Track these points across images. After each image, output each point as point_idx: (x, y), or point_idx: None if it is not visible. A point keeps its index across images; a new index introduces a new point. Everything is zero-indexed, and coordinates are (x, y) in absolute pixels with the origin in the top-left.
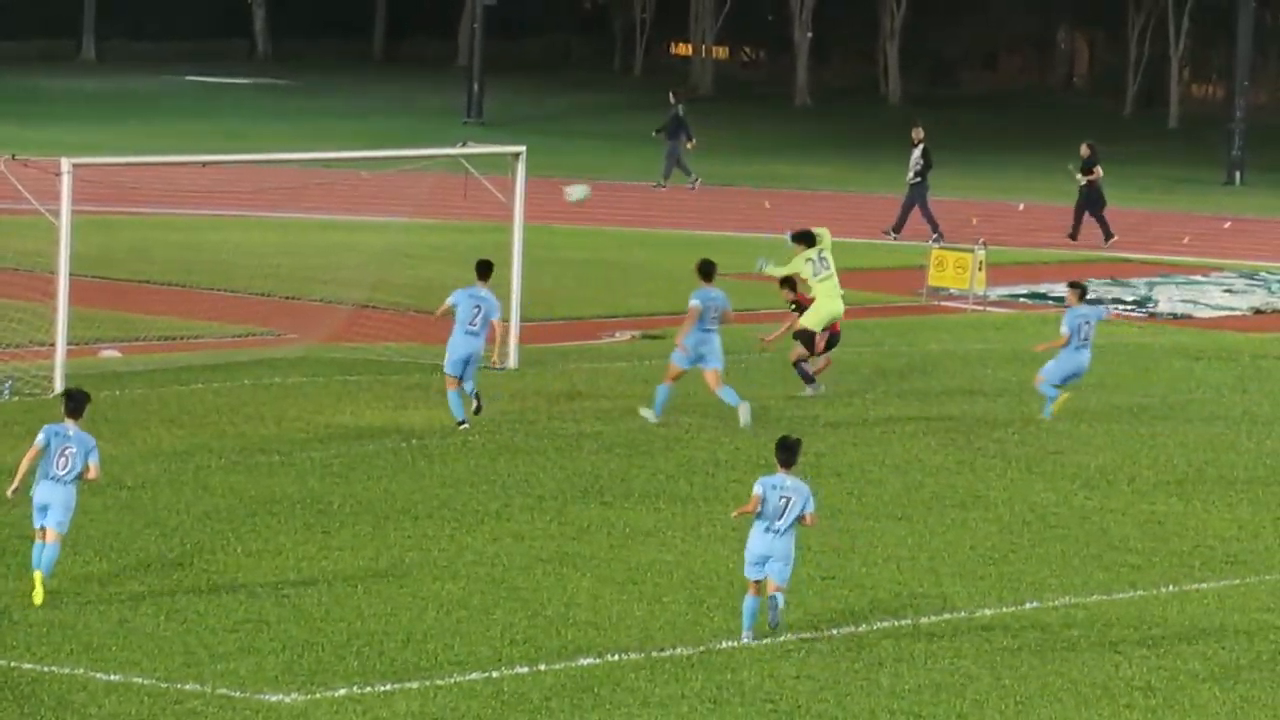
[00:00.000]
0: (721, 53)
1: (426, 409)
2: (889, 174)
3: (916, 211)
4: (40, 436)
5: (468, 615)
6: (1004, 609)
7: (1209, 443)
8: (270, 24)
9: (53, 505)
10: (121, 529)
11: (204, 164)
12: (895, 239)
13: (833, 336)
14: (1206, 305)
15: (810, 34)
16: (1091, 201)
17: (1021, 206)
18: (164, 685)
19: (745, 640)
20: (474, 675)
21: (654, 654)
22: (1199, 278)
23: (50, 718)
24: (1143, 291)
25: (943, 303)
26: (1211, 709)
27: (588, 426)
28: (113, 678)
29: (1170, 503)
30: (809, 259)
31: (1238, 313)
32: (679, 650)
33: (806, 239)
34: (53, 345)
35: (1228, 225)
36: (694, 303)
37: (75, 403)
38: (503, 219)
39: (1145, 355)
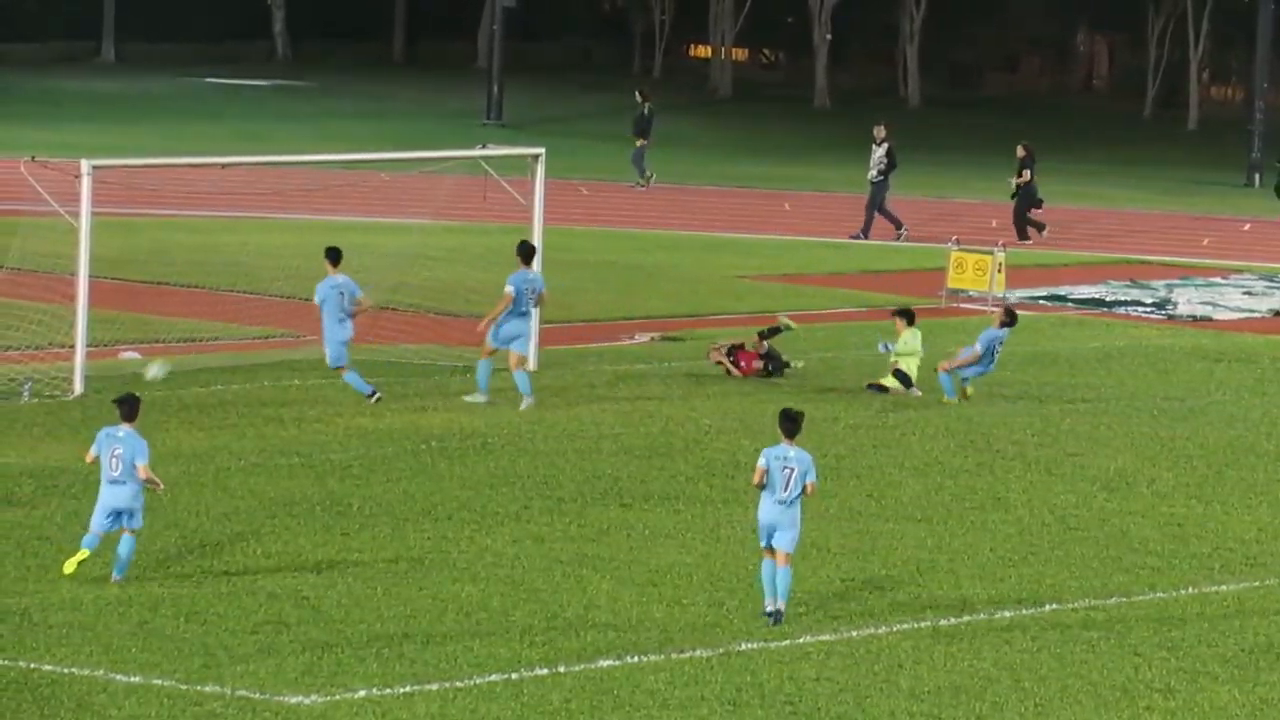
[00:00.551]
0: (741, 55)
1: (446, 411)
2: (910, 176)
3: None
4: (94, 445)
5: (487, 617)
6: (1024, 611)
7: (1229, 445)
8: (289, 26)
9: (119, 508)
10: (141, 531)
11: (223, 165)
12: (865, 240)
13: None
14: (1226, 307)
15: (829, 36)
16: (1024, 201)
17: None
18: (184, 687)
19: (778, 608)
20: (493, 677)
21: (673, 656)
22: (1218, 280)
23: (70, 719)
24: (1162, 294)
25: (962, 304)
26: (1231, 711)
27: (607, 428)
28: (133, 679)
29: (1190, 505)
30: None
31: (1257, 315)
32: (698, 652)
33: (908, 315)
34: (72, 347)
35: (1247, 227)
36: (509, 289)
37: (127, 406)
38: (522, 221)
39: (1165, 358)
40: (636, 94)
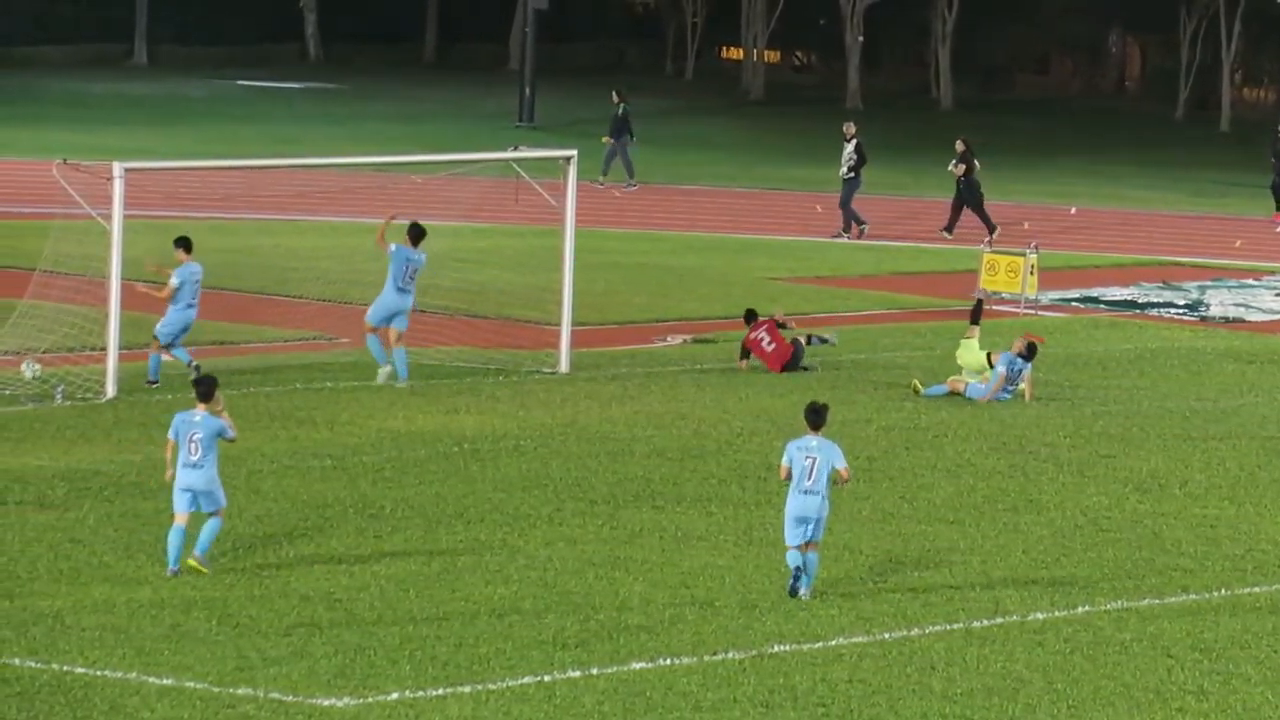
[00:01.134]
0: (773, 57)
1: (478, 414)
2: (941, 178)
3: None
4: (170, 430)
5: (520, 619)
6: (1056, 613)
7: (1261, 446)
8: (321, 28)
9: (196, 491)
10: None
11: (255, 168)
12: (849, 239)
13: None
14: (1258, 309)
15: (861, 38)
16: (968, 196)
17: (1074, 210)
18: (216, 690)
19: (803, 595)
20: (526, 679)
21: (706, 658)
22: (1251, 281)
23: None
24: (1194, 295)
25: (994, 306)
26: (1264, 713)
27: (640, 430)
28: (165, 682)
29: (1223, 507)
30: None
31: None
32: (731, 654)
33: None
34: (105, 349)
35: None
36: (392, 260)
37: (203, 388)
38: (554, 223)
39: (1197, 359)
40: (613, 94)
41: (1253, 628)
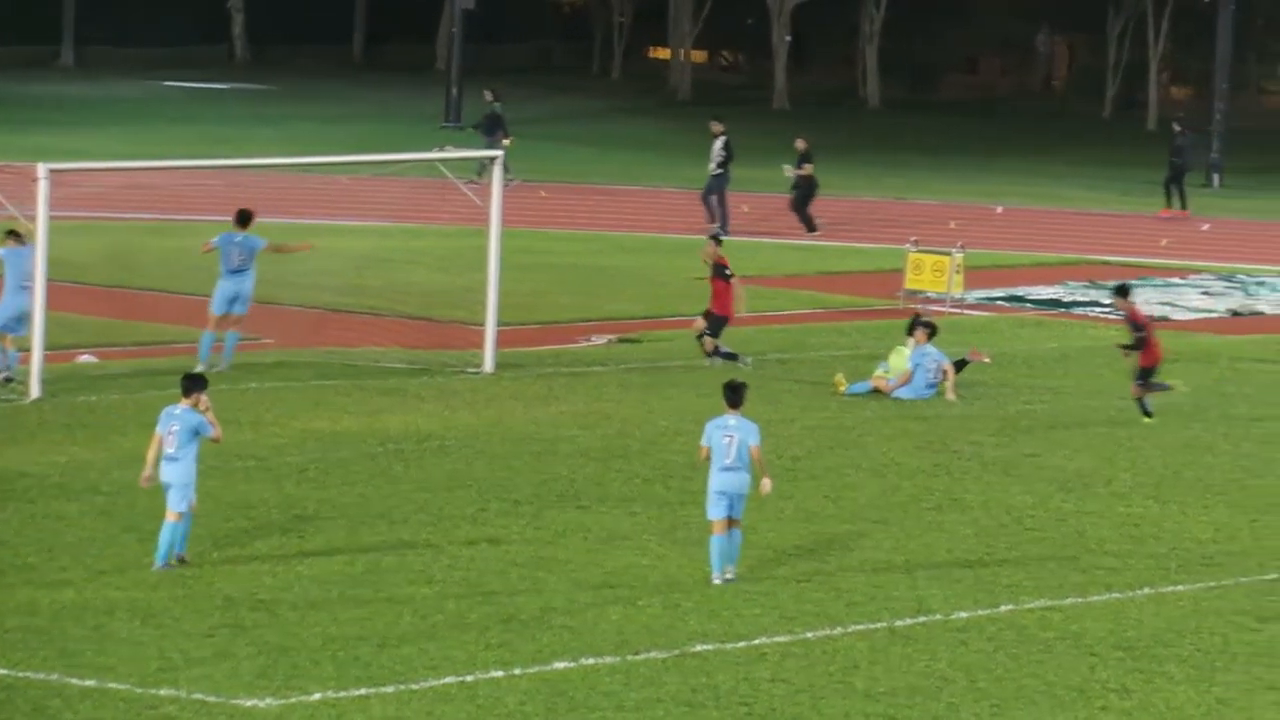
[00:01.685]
0: (700, 56)
1: (403, 414)
2: (871, 177)
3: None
4: (158, 424)
5: (443, 620)
6: (980, 611)
7: (1186, 445)
8: (249, 29)
9: (171, 485)
10: (98, 534)
11: (184, 169)
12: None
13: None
14: (1184, 308)
15: (789, 37)
16: (800, 194)
17: (1000, 210)
18: (139, 691)
19: (716, 581)
20: (449, 679)
21: (629, 658)
22: (1177, 280)
23: None
24: None
25: (920, 305)
26: (1187, 711)
27: (564, 430)
28: (88, 683)
29: (1147, 505)
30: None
31: (1215, 315)
32: (654, 654)
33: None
34: (30, 351)
35: (1205, 228)
36: (214, 241)
37: (185, 383)
38: (481, 223)
39: (1122, 359)
40: (487, 92)
41: (1176, 625)
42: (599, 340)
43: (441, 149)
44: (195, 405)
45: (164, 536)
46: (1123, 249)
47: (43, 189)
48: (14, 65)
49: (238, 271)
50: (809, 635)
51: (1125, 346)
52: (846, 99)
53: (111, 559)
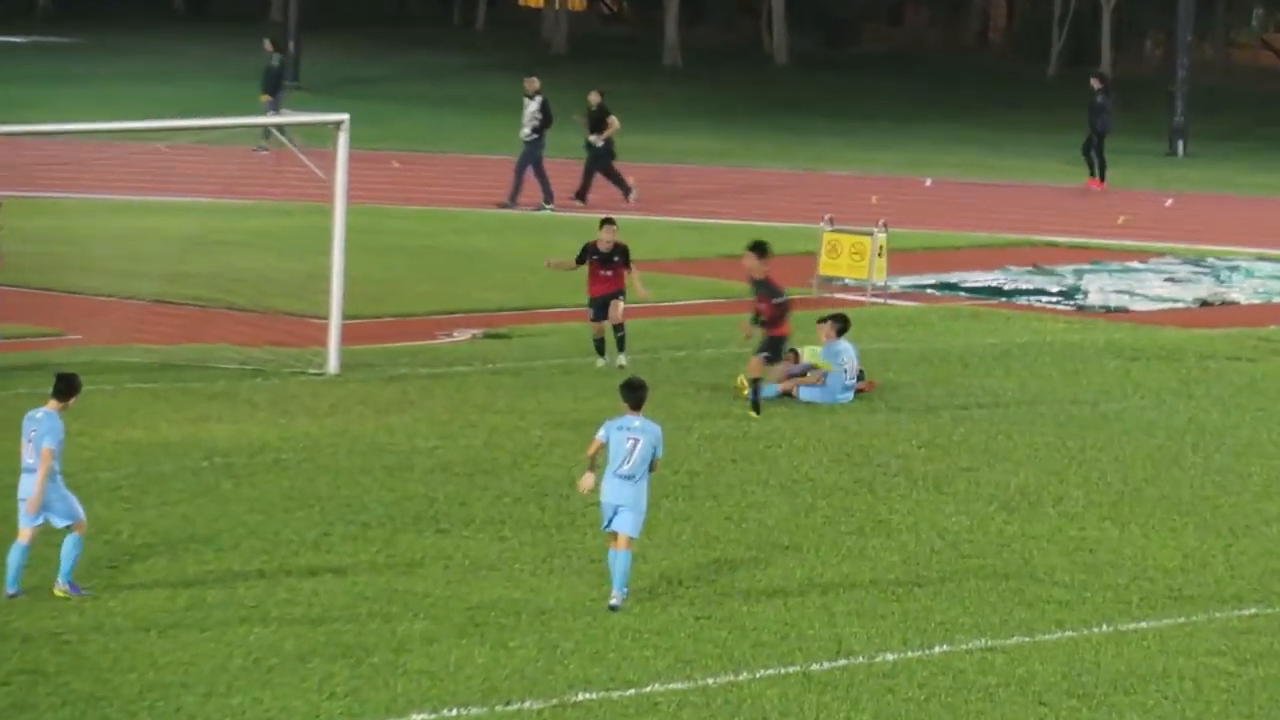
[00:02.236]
0: (578, 4)
1: (232, 422)
2: (779, 144)
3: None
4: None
5: (280, 664)
6: (909, 653)
7: (1148, 457)
8: None
9: (24, 497)
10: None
11: None
12: (515, 210)
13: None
14: (1144, 297)
15: None
16: (599, 156)
17: (929, 182)
18: None
19: (615, 602)
20: None
21: (499, 708)
22: (1136, 264)
23: None
24: (1070, 281)
25: (836, 295)
26: None
27: (421, 441)
28: None
29: (1104, 527)
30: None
31: (1181, 305)
32: (528, 704)
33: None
34: None
35: (1169, 203)
36: None
37: (56, 384)
38: (324, 198)
39: (1073, 356)
40: (266, 42)
41: (1138, 669)
42: (462, 336)
43: (277, 111)
44: (64, 409)
45: (12, 558)
46: (1072, 228)
47: None
48: None
49: None
50: (709, 682)
51: (758, 320)
52: (749, 54)
53: None
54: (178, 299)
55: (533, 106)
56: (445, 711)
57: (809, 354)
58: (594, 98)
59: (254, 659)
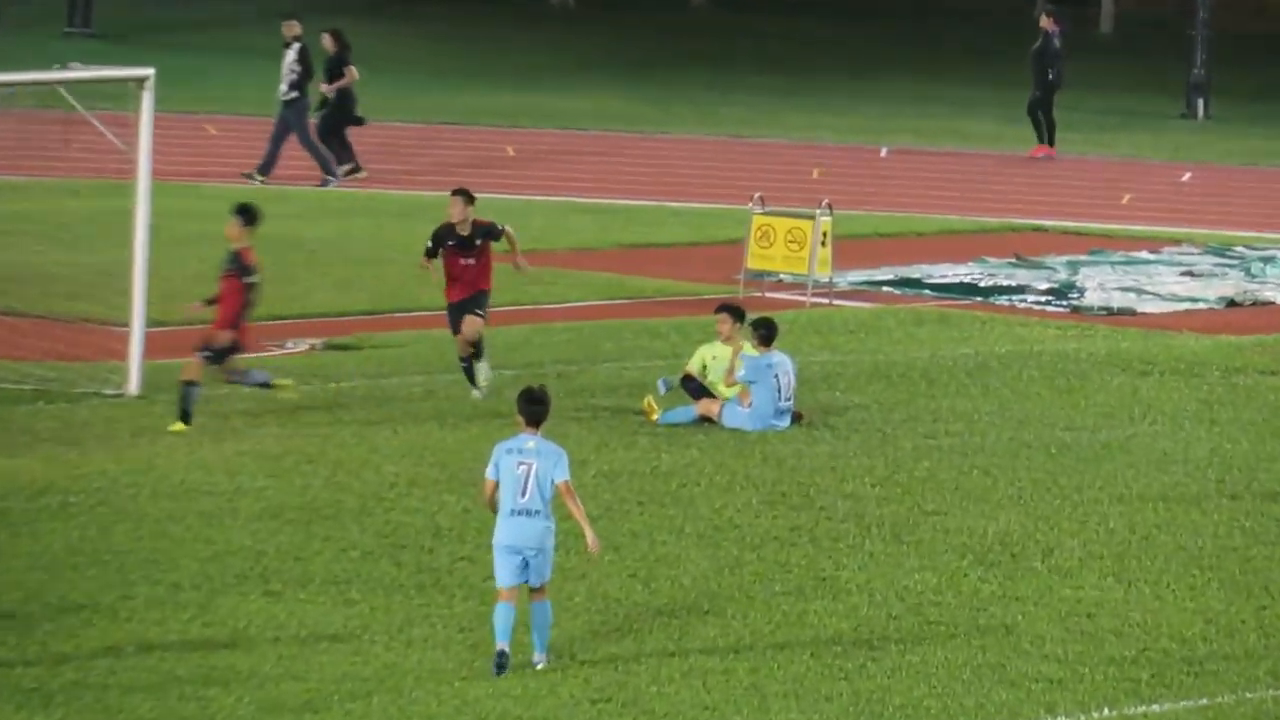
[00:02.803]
0: None
1: (7, 456)
2: (698, 105)
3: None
4: None
5: None
6: None
7: (1161, 496)
8: None
9: None
10: None
11: None
12: (262, 183)
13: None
14: (1156, 295)
15: None
16: (334, 115)
17: (884, 152)
18: None
19: (539, 662)
20: None
21: None
22: (1145, 254)
23: None
24: (1063, 275)
25: (768, 294)
26: None
27: (247, 480)
28: None
29: (1105, 586)
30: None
31: (1202, 306)
32: None
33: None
34: None
35: (1187, 178)
36: None
37: None
38: (123, 174)
39: (1067, 369)
40: None
41: None
42: (296, 346)
43: (65, 67)
44: None
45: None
46: (1065, 208)
47: None
48: None
49: None
50: None
51: (211, 301)
52: None
53: None
54: None
55: (290, 57)
56: None
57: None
58: (327, 42)
59: None
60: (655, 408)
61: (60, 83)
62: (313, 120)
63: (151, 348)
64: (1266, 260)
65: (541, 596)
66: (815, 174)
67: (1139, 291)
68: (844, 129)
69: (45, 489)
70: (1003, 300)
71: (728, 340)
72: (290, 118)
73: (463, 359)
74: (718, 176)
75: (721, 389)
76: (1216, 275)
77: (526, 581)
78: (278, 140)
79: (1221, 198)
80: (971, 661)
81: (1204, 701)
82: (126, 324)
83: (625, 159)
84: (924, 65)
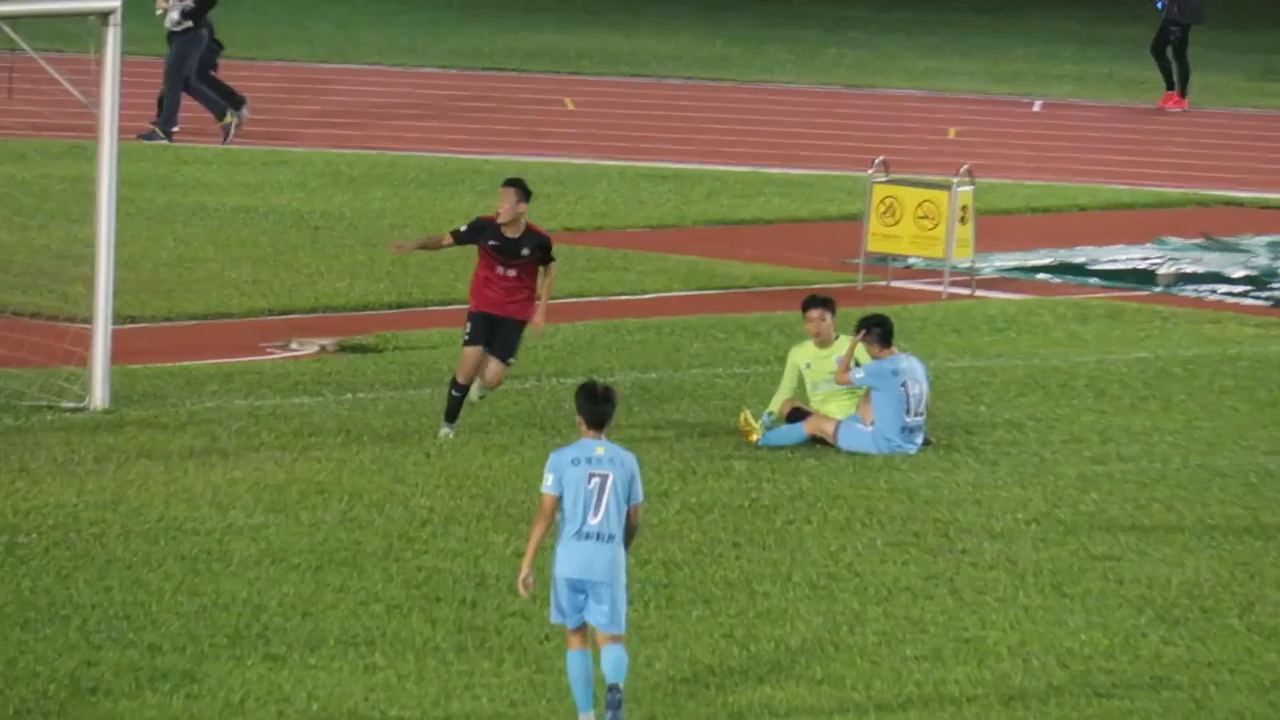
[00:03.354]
0: None
1: None
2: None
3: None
4: None
5: None
6: None
7: None
8: None
9: None
10: None
11: None
12: (168, 140)
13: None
14: None
15: None
16: (189, 48)
17: (1038, 105)
18: None
19: None
20: None
21: None
22: None
23: None
24: (1263, 260)
25: (894, 283)
26: None
27: (241, 517)
28: None
29: None
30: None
31: None
32: None
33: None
34: None
35: None
36: None
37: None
38: (83, 133)
39: (1270, 377)
40: None
41: None
42: (303, 348)
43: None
44: None
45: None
46: (1266, 178)
47: None
48: None
49: None
50: None
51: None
52: None
53: None
54: None
55: None
56: None
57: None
58: None
59: None
60: (754, 425)
61: (3, 17)
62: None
63: (119, 350)
64: None
65: (617, 643)
66: (951, 133)
67: None
68: (986, 76)
69: None
70: (1188, 291)
71: (824, 343)
72: (176, 53)
73: (459, 389)
74: (827, 136)
75: (827, 405)
76: None
77: (595, 620)
78: (174, 83)
79: None
80: None
81: None
82: (88, 320)
83: (710, 113)
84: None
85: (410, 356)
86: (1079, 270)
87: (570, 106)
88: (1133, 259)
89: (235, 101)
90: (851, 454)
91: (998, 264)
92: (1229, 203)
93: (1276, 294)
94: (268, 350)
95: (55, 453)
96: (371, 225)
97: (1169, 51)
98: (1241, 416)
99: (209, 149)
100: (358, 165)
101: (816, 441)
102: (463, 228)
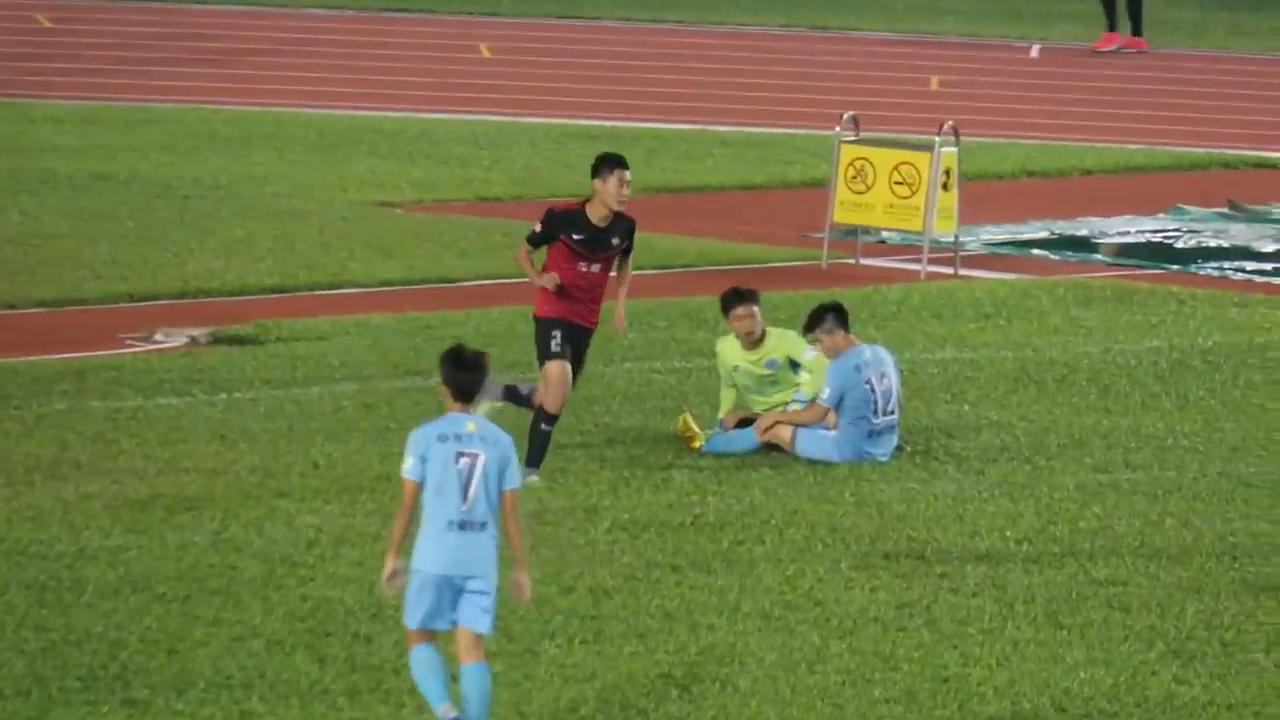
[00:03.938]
0: None
1: None
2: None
3: None
4: None
5: None
6: None
7: None
8: None
9: None
10: None
11: None
12: None
13: None
14: None
15: None
16: None
17: (1035, 50)
18: None
19: (450, 715)
20: None
21: None
22: None
23: None
24: None
25: (864, 260)
26: None
27: (97, 539)
28: None
29: None
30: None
31: None
32: None
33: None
34: None
35: None
36: None
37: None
38: None
39: None
40: None
41: None
42: (170, 339)
43: None
44: None
45: None
46: None
47: None
48: None
49: None
50: None
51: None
52: None
53: None
54: None
55: None
56: None
57: (813, 370)
58: None
59: None
60: (697, 430)
61: None
62: None
63: None
64: None
65: (478, 655)
66: (934, 83)
67: None
68: (974, 16)
69: None
70: (1209, 269)
71: (755, 343)
72: None
73: (549, 421)
74: (788, 88)
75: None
76: None
77: (454, 625)
78: None
79: None
80: None
81: None
82: None
83: (650, 61)
84: None
85: (295, 349)
86: (1081, 245)
87: (486, 54)
88: (1144, 232)
89: None
90: (811, 462)
91: (986, 238)
92: (1260, 164)
93: None
94: (128, 343)
95: None
96: (252, 194)
97: None
98: (1270, 416)
99: (61, 106)
100: (236, 124)
101: (770, 448)
102: (536, 228)
